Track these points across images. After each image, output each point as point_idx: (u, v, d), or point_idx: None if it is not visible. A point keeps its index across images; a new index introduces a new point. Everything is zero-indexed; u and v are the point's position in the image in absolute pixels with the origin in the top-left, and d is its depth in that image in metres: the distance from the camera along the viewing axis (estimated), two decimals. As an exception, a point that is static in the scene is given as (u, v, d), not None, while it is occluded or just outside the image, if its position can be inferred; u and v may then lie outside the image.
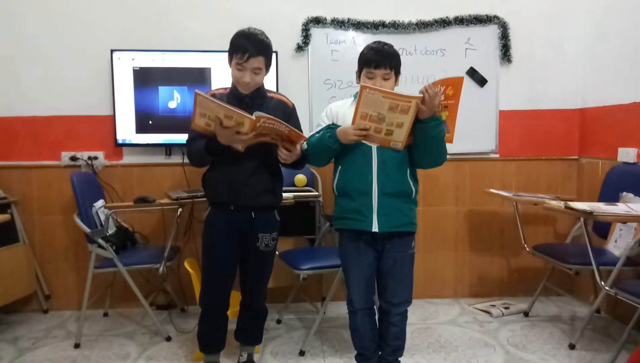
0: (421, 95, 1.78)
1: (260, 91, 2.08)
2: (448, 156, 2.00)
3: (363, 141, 1.92)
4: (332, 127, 1.99)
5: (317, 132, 2.03)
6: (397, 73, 1.99)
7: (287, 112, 2.10)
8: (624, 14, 2.87)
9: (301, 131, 2.09)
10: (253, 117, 1.78)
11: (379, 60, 1.92)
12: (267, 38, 2.03)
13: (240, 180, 2.04)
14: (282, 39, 3.02)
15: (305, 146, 2.04)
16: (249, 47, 1.95)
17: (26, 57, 3.00)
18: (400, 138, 1.87)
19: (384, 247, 2.01)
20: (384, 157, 1.95)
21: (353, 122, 1.86)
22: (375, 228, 1.95)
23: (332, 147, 1.95)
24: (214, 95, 2.09)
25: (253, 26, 2.05)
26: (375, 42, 2.00)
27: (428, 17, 3.12)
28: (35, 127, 3.04)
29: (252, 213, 2.08)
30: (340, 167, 2.03)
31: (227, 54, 2.04)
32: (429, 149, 1.93)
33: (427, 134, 1.87)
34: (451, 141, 1.97)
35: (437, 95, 1.78)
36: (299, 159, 2.01)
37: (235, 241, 2.11)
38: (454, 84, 1.86)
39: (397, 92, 1.80)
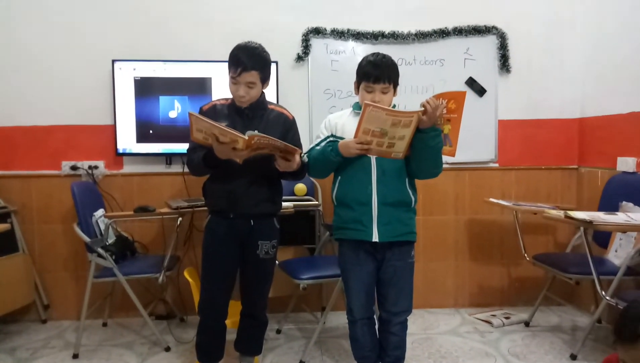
0: (423, 108, 1.80)
1: (260, 102, 2.09)
2: (447, 166, 2.02)
3: (364, 154, 1.93)
4: (333, 140, 2.00)
5: (317, 145, 2.05)
6: (396, 85, 2.00)
7: (287, 125, 2.11)
8: (622, 23, 2.90)
9: (300, 143, 2.10)
10: (246, 137, 1.78)
11: (378, 75, 1.93)
12: (264, 52, 2.03)
13: (240, 190, 2.04)
14: (282, 49, 3.05)
15: (306, 158, 2.05)
16: (242, 61, 1.96)
17: (27, 66, 3.02)
18: (401, 148, 1.89)
19: (384, 256, 2.01)
20: (384, 167, 1.96)
21: (355, 136, 1.86)
22: (375, 237, 1.95)
23: (333, 160, 1.96)
24: (214, 106, 2.10)
25: (253, 36, 2.07)
26: (373, 54, 2.01)
27: (427, 27, 3.14)
28: (35, 136, 3.05)
29: (252, 221, 2.09)
30: (339, 177, 2.04)
31: (227, 64, 2.05)
32: (426, 159, 1.94)
33: (426, 144, 1.88)
34: (453, 155, 1.99)
35: (438, 107, 1.80)
36: (298, 170, 2.01)
37: (235, 249, 2.11)
38: (457, 98, 1.87)
39: (400, 109, 1.81)
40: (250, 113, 2.06)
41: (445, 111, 1.86)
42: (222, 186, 2.06)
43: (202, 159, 1.99)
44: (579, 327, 2.96)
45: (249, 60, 1.96)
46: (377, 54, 2.00)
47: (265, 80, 2.05)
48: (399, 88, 2.04)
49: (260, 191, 2.08)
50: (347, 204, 2.00)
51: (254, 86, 2.01)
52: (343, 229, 2.03)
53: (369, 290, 2.05)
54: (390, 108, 1.82)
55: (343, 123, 2.03)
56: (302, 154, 2.05)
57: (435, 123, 1.85)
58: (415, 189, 2.05)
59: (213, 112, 2.06)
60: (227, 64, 2.04)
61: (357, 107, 2.04)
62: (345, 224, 2.01)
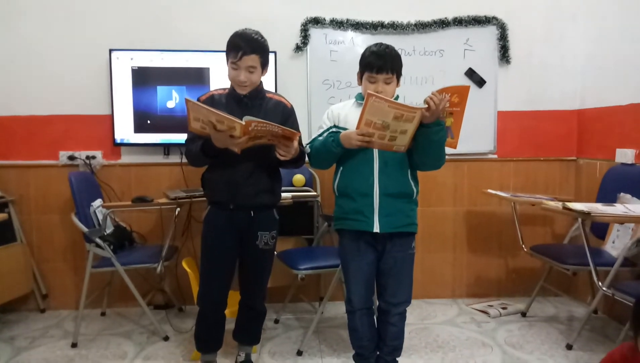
0: (426, 105, 1.79)
1: (259, 91, 2.08)
2: (446, 157, 2.00)
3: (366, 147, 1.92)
4: (335, 131, 1.99)
5: (320, 135, 2.04)
6: (399, 76, 2.00)
7: (285, 113, 2.10)
8: (623, 15, 2.88)
9: (299, 131, 2.09)
10: (243, 122, 1.78)
11: (381, 65, 1.92)
12: (262, 38, 2.03)
13: (239, 180, 2.04)
14: (281, 39, 3.03)
15: (308, 149, 2.05)
16: (242, 45, 1.95)
17: (25, 56, 2.99)
18: (403, 142, 1.88)
19: (384, 247, 2.02)
20: (386, 158, 1.96)
21: (357, 127, 1.85)
22: (376, 228, 1.95)
23: (335, 151, 1.95)
24: (212, 96, 2.09)
25: (252, 26, 2.05)
26: (376, 44, 2.00)
27: (427, 17, 3.13)
28: (33, 126, 3.03)
29: (251, 212, 2.08)
30: (341, 168, 2.04)
31: (225, 55, 2.04)
32: (430, 152, 1.94)
33: (430, 138, 1.87)
34: (455, 147, 1.99)
35: (442, 102, 1.79)
36: (297, 157, 2.01)
37: (234, 240, 2.11)
38: (460, 92, 1.87)
39: (404, 103, 1.80)
40: (248, 102, 2.05)
41: (448, 105, 1.85)
42: (221, 177, 2.06)
43: (201, 148, 1.98)
44: (576, 318, 2.97)
45: (250, 44, 1.96)
46: (381, 44, 1.99)
47: (264, 65, 2.05)
48: (401, 80, 2.02)
49: (260, 180, 2.07)
50: (348, 194, 2.00)
51: (255, 71, 2.00)
52: (344, 219, 2.03)
53: (368, 281, 2.06)
54: (393, 100, 1.81)
55: (346, 113, 2.03)
56: (305, 145, 2.05)
57: (438, 117, 1.84)
58: (417, 180, 2.05)
59: (211, 102, 2.04)
60: (224, 53, 2.03)
61: (360, 97, 2.03)
62: (346, 215, 2.01)
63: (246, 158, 1.98)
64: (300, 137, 2.00)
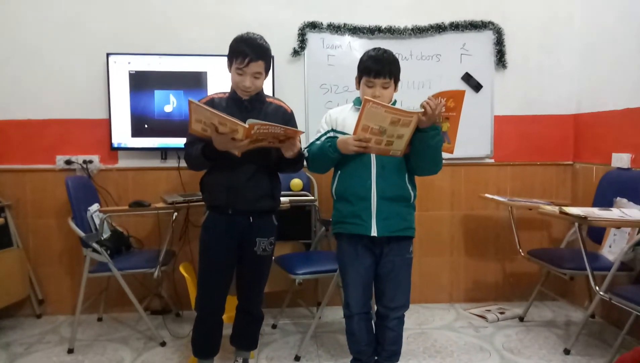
0: (422, 110, 1.80)
1: (259, 95, 2.08)
2: (443, 161, 2.01)
3: (362, 152, 1.93)
4: (332, 136, 2.00)
5: (317, 140, 2.05)
6: (397, 80, 2.00)
7: (285, 118, 2.11)
8: (618, 20, 2.90)
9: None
10: (246, 125, 1.78)
11: (379, 69, 1.93)
12: (266, 42, 2.04)
13: (239, 184, 2.03)
14: (279, 44, 3.02)
15: (306, 153, 2.06)
16: (249, 52, 1.95)
17: (22, 60, 2.99)
18: (399, 147, 1.89)
19: (382, 251, 2.02)
20: (383, 162, 1.96)
21: (354, 133, 1.86)
22: (374, 232, 1.95)
23: (332, 156, 1.96)
24: (212, 100, 2.09)
25: (250, 30, 2.06)
26: (374, 49, 2.00)
27: (424, 22, 3.14)
28: (30, 130, 3.03)
29: (250, 218, 2.08)
30: (339, 172, 2.04)
31: (223, 58, 2.05)
32: (427, 157, 1.95)
33: (426, 143, 1.88)
34: (452, 152, 2.00)
35: (438, 107, 1.80)
36: (296, 159, 2.01)
37: (233, 245, 2.11)
38: (456, 97, 1.88)
39: (400, 108, 1.81)
40: (249, 106, 2.05)
41: (444, 110, 1.86)
42: (221, 180, 2.05)
43: (201, 151, 1.98)
44: (573, 322, 2.98)
45: (256, 50, 1.97)
46: (379, 49, 2.00)
47: (268, 70, 2.07)
48: (399, 85, 2.03)
49: (260, 185, 2.07)
50: (346, 198, 2.00)
51: (260, 77, 2.02)
52: (342, 223, 2.03)
53: (366, 285, 2.06)
54: (389, 105, 1.82)
55: (344, 118, 2.04)
56: (303, 149, 2.05)
57: (435, 122, 1.85)
58: (415, 184, 2.05)
59: (211, 105, 2.03)
60: (221, 58, 2.03)
61: (357, 102, 2.04)
62: (344, 219, 2.01)
63: (246, 161, 1.98)
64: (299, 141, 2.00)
